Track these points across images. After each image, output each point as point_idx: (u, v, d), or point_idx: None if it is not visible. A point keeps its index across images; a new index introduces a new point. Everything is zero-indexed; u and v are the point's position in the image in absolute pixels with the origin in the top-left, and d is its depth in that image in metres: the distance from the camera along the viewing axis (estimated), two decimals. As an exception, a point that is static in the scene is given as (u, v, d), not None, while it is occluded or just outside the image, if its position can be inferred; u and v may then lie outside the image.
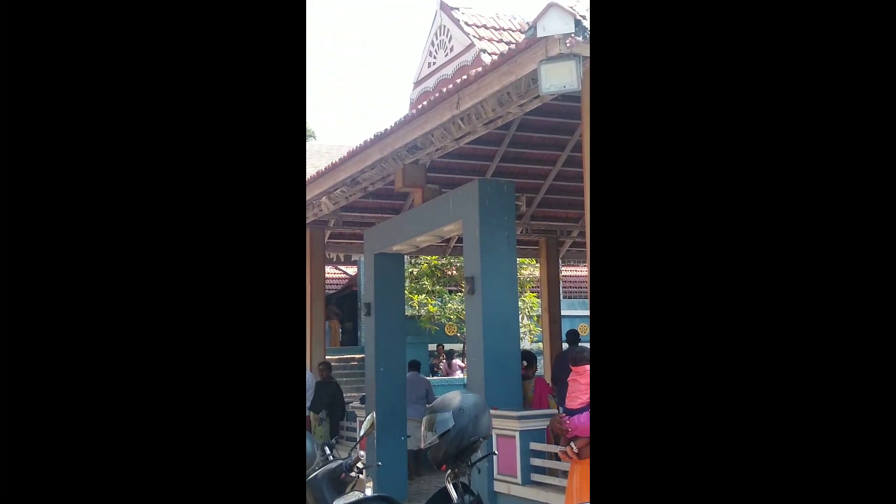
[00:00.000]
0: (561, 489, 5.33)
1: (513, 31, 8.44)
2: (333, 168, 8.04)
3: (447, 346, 16.58)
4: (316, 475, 4.02)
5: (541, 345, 13.31)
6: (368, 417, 4.30)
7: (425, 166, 7.70)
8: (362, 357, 11.86)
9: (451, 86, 5.97)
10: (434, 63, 8.96)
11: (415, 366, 9.95)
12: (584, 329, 15.79)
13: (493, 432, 5.75)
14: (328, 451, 4.28)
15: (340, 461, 4.10)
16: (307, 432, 5.17)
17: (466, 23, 8.42)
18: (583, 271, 17.39)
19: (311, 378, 9.44)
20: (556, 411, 5.56)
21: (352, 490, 4.08)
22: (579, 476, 4.36)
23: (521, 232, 10.43)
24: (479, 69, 5.61)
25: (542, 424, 5.90)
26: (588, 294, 5.31)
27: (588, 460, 4.25)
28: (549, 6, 4.50)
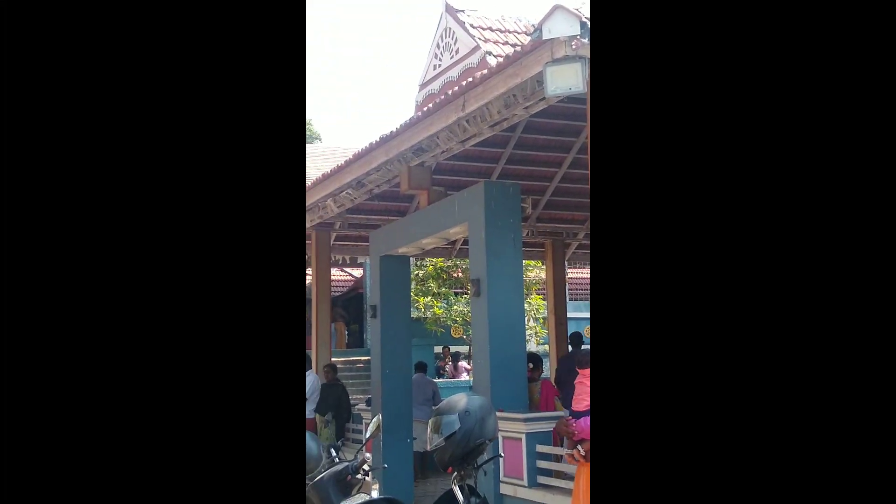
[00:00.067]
0: (567, 492, 5.32)
1: (518, 33, 8.44)
2: (339, 170, 8.04)
3: (453, 349, 16.57)
4: (322, 477, 4.02)
5: (547, 347, 13.29)
6: (374, 420, 4.30)
7: (431, 168, 7.70)
8: (368, 359, 11.86)
9: (456, 88, 5.97)
10: (440, 65, 8.97)
11: (421, 367, 9.94)
12: (589, 331, 15.76)
13: (500, 434, 5.75)
14: (334, 454, 4.28)
15: (346, 463, 4.10)
16: (313, 434, 5.17)
17: (472, 25, 8.42)
18: (588, 273, 17.36)
19: (316, 380, 9.44)
20: (563, 414, 5.55)
21: (358, 492, 4.08)
22: (586, 479, 4.34)
23: (527, 234, 10.42)
24: (485, 71, 5.61)
25: (549, 427, 5.88)
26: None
27: (594, 463, 4.25)
28: (555, 8, 4.50)
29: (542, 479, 5.91)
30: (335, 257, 11.75)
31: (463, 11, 8.61)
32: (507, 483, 6.14)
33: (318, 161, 14.93)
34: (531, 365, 7.33)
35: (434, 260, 15.70)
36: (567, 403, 6.16)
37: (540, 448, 5.93)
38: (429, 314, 16.28)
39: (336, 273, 18.96)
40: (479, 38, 8.22)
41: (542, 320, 15.82)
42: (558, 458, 5.77)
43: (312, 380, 9.26)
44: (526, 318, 12.87)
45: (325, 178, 8.32)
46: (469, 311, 12.39)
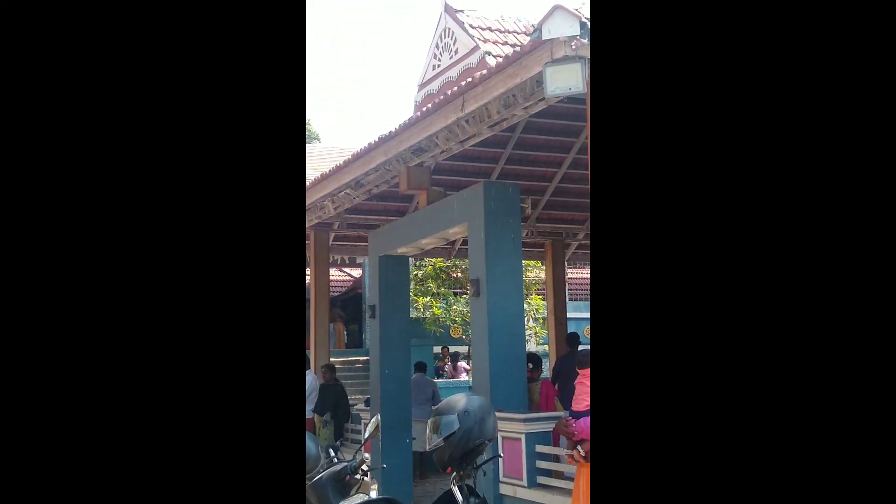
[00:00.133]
0: (567, 492, 5.32)
1: (518, 33, 8.44)
2: (338, 170, 8.04)
3: (452, 349, 16.57)
4: (320, 477, 4.02)
5: (546, 347, 13.30)
6: (373, 420, 4.30)
7: (430, 169, 7.70)
8: (367, 359, 11.86)
9: (455, 88, 5.97)
10: (439, 65, 8.97)
11: (421, 367, 9.94)
12: (588, 332, 15.77)
13: (499, 435, 5.74)
14: (333, 454, 4.28)
15: (345, 463, 4.10)
16: (312, 435, 5.17)
17: (471, 25, 8.43)
18: (588, 274, 17.36)
19: (314, 380, 9.44)
20: (562, 414, 5.54)
21: (356, 492, 4.07)
22: (585, 479, 4.34)
23: (527, 234, 10.41)
24: (484, 71, 5.60)
25: (548, 427, 5.88)
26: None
27: (594, 463, 4.25)
28: (555, 8, 4.50)
29: (541, 480, 5.91)
30: (334, 257, 11.75)
31: (462, 11, 8.62)
32: (506, 483, 6.14)
33: (317, 161, 14.94)
34: (531, 365, 7.33)
35: (433, 260, 15.70)
36: (566, 404, 6.16)
37: (539, 448, 5.93)
38: (428, 314, 16.28)
39: (335, 273, 18.95)
40: (479, 39, 8.22)
41: (541, 320, 15.82)
42: (558, 459, 5.76)
43: (311, 380, 9.26)
44: (525, 319, 12.86)
45: (324, 178, 8.32)
46: (468, 312, 12.39)
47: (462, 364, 15.73)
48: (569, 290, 14.57)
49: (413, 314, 14.04)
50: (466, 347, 15.72)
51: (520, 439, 5.97)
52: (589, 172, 5.37)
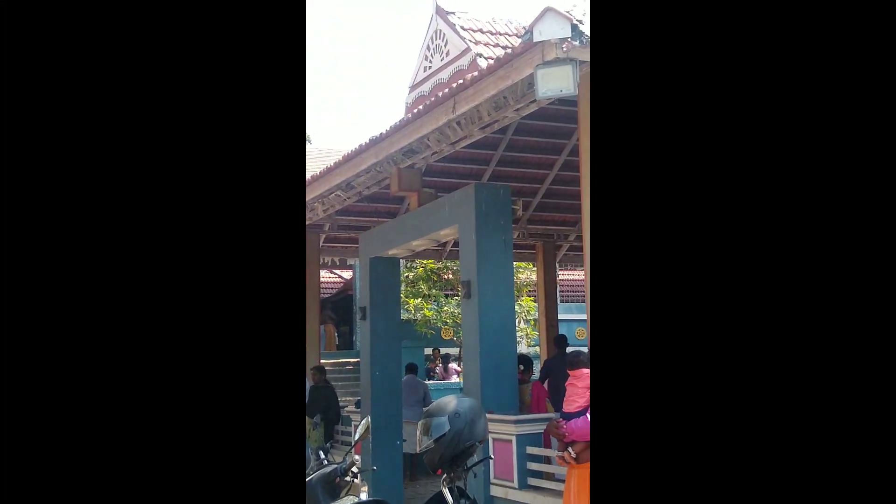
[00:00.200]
0: (558, 493, 5.32)
1: (509, 35, 8.45)
2: (328, 172, 8.03)
3: (443, 350, 16.56)
4: (310, 480, 4.01)
5: (538, 349, 13.31)
6: (363, 422, 4.29)
7: (421, 170, 7.69)
8: (358, 361, 11.84)
9: (447, 90, 5.96)
10: (430, 67, 8.97)
11: (412, 369, 9.94)
12: (580, 333, 15.78)
13: (490, 436, 5.74)
14: (323, 456, 4.27)
15: (335, 465, 4.09)
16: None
17: (462, 27, 8.43)
18: (580, 275, 17.39)
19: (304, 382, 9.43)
20: (553, 415, 5.55)
21: (346, 494, 4.06)
22: (577, 480, 4.35)
23: (518, 236, 10.43)
24: (476, 73, 5.60)
25: (539, 428, 5.89)
26: (585, 298, 5.30)
27: (586, 465, 4.24)
28: (546, 10, 4.51)
29: (532, 481, 5.91)
30: (325, 259, 11.74)
31: (454, 13, 8.62)
32: (497, 485, 6.14)
33: (308, 163, 14.91)
34: (522, 367, 7.33)
35: (425, 262, 15.69)
36: (557, 405, 6.17)
37: (530, 450, 5.93)
38: (419, 316, 16.26)
39: (325, 275, 18.94)
40: (470, 41, 8.22)
41: (532, 322, 15.83)
42: (549, 460, 5.76)
43: (301, 382, 9.23)
44: (517, 320, 12.88)
45: (315, 180, 8.31)
46: (459, 313, 12.39)
47: (453, 366, 15.73)
48: (560, 291, 14.60)
49: (404, 316, 14.03)
50: (457, 349, 15.73)
51: (511, 441, 5.97)
52: (580, 174, 5.38)
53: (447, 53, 8.61)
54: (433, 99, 6.25)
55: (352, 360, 15.56)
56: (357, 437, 4.20)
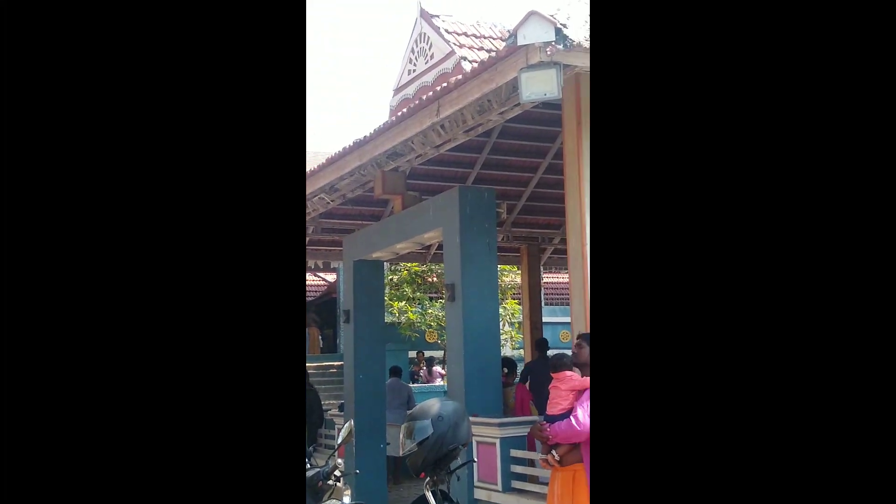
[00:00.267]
0: (542, 496, 5.32)
1: (493, 38, 8.46)
2: (312, 175, 7.99)
3: (427, 354, 16.53)
4: (294, 484, 3.98)
5: (522, 352, 13.32)
6: (346, 425, 4.27)
7: (405, 173, 7.68)
8: (341, 364, 11.81)
9: (431, 93, 5.96)
10: (414, 70, 8.97)
11: (396, 372, 9.92)
12: (564, 336, 15.81)
13: (474, 439, 5.74)
14: (305, 459, 4.24)
15: (318, 469, 4.07)
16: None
17: (447, 30, 8.43)
18: (564, 278, 17.43)
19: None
20: (537, 418, 5.55)
21: (329, 498, 4.04)
22: (560, 483, 4.35)
23: (503, 239, 10.43)
24: (460, 76, 5.60)
25: (523, 431, 5.89)
26: (570, 301, 5.31)
27: (570, 467, 4.25)
28: (530, 14, 4.51)
29: (516, 484, 5.91)
30: (308, 262, 11.68)
31: (438, 16, 8.62)
32: (481, 488, 6.13)
33: (293, 165, 14.82)
34: (506, 370, 7.34)
35: (409, 264, 15.67)
36: (541, 409, 6.17)
37: (514, 453, 5.94)
38: (403, 319, 16.24)
39: (309, 278, 18.86)
40: (454, 44, 8.23)
41: (517, 325, 15.84)
42: (532, 463, 5.77)
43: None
44: (501, 323, 12.88)
45: (299, 182, 8.26)
46: (444, 316, 12.38)
47: (437, 369, 15.70)
48: (544, 294, 14.62)
49: (388, 319, 14.00)
50: (442, 352, 15.71)
51: (494, 444, 5.97)
52: (564, 177, 5.40)
53: (431, 56, 8.62)
54: (417, 102, 6.24)
55: (335, 363, 15.50)
56: (340, 440, 4.18)
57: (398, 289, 16.44)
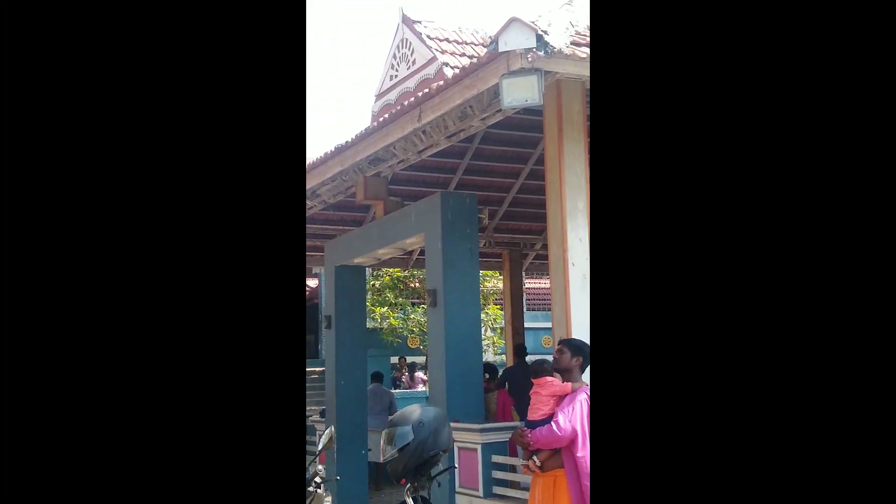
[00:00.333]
0: (523, 501, 5.32)
1: (475, 44, 8.49)
2: (295, 180, 7.97)
3: (409, 359, 16.51)
4: (274, 491, 3.96)
5: (504, 357, 13.32)
6: (327, 431, 4.25)
7: (387, 179, 7.68)
8: (323, 370, 11.76)
9: (413, 99, 5.97)
10: (396, 76, 8.97)
11: (378, 377, 9.90)
12: (546, 341, 15.84)
13: (455, 445, 5.74)
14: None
15: (299, 476, 4.05)
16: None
17: (429, 36, 8.44)
18: (546, 284, 17.47)
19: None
20: (519, 424, 5.56)
21: (310, 505, 4.02)
22: (541, 489, 4.35)
23: (485, 244, 10.44)
24: (442, 82, 5.62)
25: (505, 437, 5.90)
26: (552, 306, 5.33)
27: (551, 473, 4.26)
28: (511, 21, 4.53)
29: (497, 490, 5.91)
30: (291, 267, 11.63)
31: (420, 22, 8.63)
32: (462, 494, 6.13)
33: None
34: (487, 375, 7.34)
35: (391, 270, 15.65)
36: (523, 414, 6.18)
37: (496, 458, 5.94)
38: (385, 325, 16.21)
39: (292, 283, 18.74)
40: (436, 50, 8.24)
41: (499, 331, 15.86)
42: (514, 469, 5.77)
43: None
44: (483, 329, 12.89)
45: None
46: (426, 322, 12.37)
47: (419, 374, 15.68)
48: (526, 300, 14.64)
49: (370, 324, 13.96)
50: (424, 358, 15.69)
51: (476, 449, 5.97)
52: (546, 183, 5.42)
53: (413, 62, 8.62)
54: (399, 107, 6.24)
55: (317, 368, 15.43)
56: (321, 446, 4.17)
57: (380, 294, 16.41)
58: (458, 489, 6.16)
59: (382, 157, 6.76)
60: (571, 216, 5.11)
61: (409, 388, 15.19)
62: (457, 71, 5.69)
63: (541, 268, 12.62)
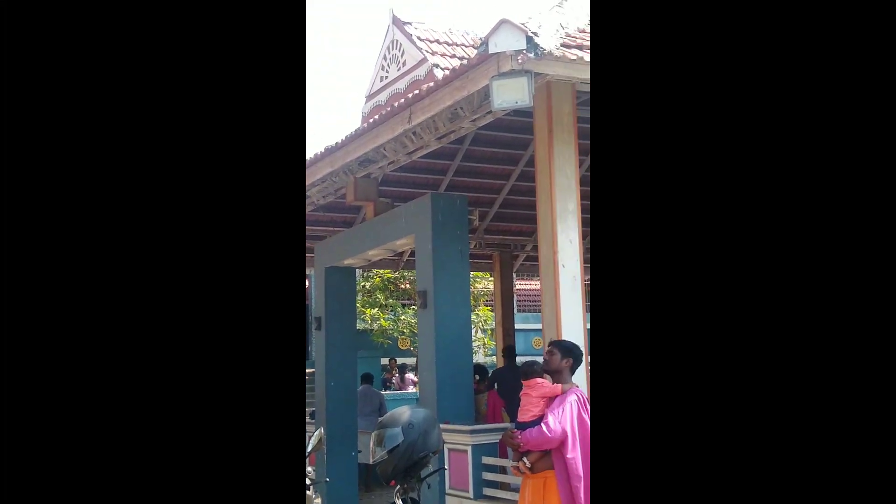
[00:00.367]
0: (513, 503, 5.32)
1: (465, 46, 8.49)
2: (285, 181, 7.96)
3: (400, 361, 16.49)
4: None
5: (495, 359, 13.33)
6: (316, 433, 4.25)
7: (377, 180, 7.68)
8: (313, 371, 11.73)
9: (403, 100, 5.96)
10: (386, 77, 8.96)
11: (367, 379, 9.88)
12: (537, 343, 15.86)
13: (445, 447, 5.73)
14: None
15: (289, 478, 4.03)
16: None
17: (419, 38, 8.44)
18: (536, 285, 17.49)
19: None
20: (509, 425, 5.56)
21: (300, 507, 4.01)
22: (531, 490, 4.35)
23: (475, 246, 10.45)
24: (432, 84, 5.61)
25: (495, 438, 5.90)
26: (542, 308, 5.33)
27: (540, 474, 4.26)
28: (501, 22, 4.53)
29: (487, 491, 5.91)
30: (281, 268, 11.60)
31: (410, 24, 8.63)
32: (452, 495, 6.12)
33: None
34: (478, 377, 7.34)
35: (381, 271, 15.63)
36: (513, 416, 6.19)
37: (486, 460, 5.93)
38: (376, 326, 16.18)
39: (282, 284, 18.70)
40: (427, 51, 8.24)
41: (489, 332, 15.86)
42: (504, 470, 5.77)
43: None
44: (473, 330, 12.89)
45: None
46: (416, 323, 12.36)
47: (410, 376, 15.66)
48: (517, 301, 14.65)
49: (360, 326, 13.94)
50: (414, 359, 15.67)
51: (466, 451, 5.97)
52: (536, 184, 5.43)
53: (404, 63, 8.62)
54: (389, 109, 6.24)
55: (307, 370, 15.41)
56: (310, 448, 4.16)
57: (370, 295, 16.38)
58: (448, 491, 6.16)
59: (373, 159, 6.75)
60: (562, 218, 5.11)
61: (400, 389, 15.17)
62: (447, 72, 5.68)
63: (531, 269, 12.63)
